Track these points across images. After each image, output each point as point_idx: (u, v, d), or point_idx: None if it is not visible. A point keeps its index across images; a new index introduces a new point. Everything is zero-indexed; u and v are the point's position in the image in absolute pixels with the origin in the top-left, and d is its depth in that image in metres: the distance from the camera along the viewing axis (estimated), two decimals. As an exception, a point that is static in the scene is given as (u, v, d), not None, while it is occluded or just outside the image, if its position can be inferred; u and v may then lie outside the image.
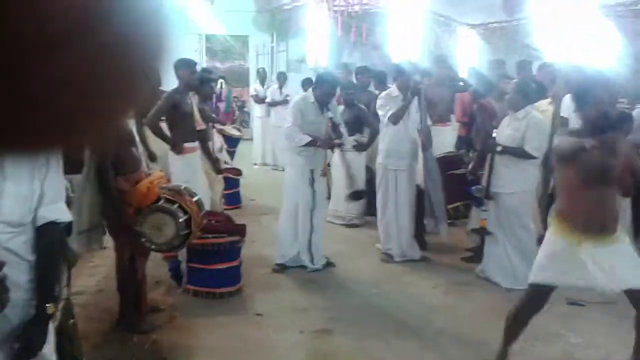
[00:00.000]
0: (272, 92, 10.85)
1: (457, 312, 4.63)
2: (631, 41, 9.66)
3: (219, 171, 6.06)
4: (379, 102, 5.84)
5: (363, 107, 6.77)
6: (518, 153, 4.81)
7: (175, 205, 3.78)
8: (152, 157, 5.61)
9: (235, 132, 8.17)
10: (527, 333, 3.57)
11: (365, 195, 6.13)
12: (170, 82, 5.31)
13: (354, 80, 8.09)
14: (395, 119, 5.54)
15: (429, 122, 5.79)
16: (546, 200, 4.83)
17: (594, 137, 3.23)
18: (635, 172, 3.27)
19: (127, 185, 3.79)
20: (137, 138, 4.89)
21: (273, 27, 13.82)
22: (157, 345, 3.89)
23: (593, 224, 3.23)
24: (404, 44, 11.24)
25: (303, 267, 5.39)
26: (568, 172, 3.30)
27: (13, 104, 0.43)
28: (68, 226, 2.41)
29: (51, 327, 2.28)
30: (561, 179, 3.40)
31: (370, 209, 6.53)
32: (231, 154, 7.88)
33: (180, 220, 3.74)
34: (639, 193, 3.65)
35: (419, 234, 5.92)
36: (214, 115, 7.29)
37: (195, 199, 4.03)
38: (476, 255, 5.49)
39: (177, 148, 5.31)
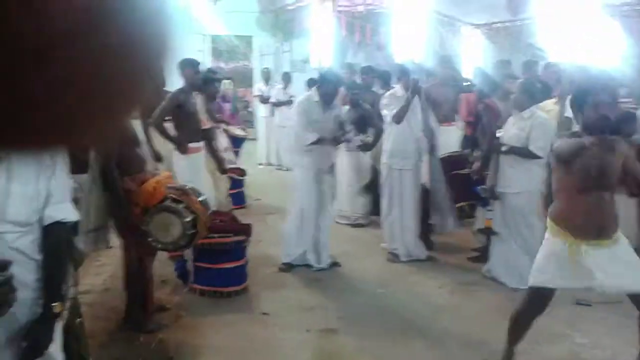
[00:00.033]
0: (276, 92, 10.87)
1: (463, 311, 4.63)
2: (637, 41, 9.63)
3: (223, 171, 6.07)
4: (383, 102, 5.85)
5: (368, 107, 6.77)
6: (523, 153, 4.80)
7: (182, 205, 3.79)
8: (157, 158, 5.61)
9: (240, 132, 8.19)
10: (533, 333, 3.56)
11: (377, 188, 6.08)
12: (174, 83, 5.33)
13: (358, 81, 8.09)
14: (398, 118, 5.55)
15: (432, 124, 5.79)
16: (549, 200, 4.82)
17: (592, 138, 3.22)
18: (631, 172, 3.25)
19: (133, 185, 3.80)
20: (143, 138, 4.90)
21: (277, 28, 13.82)
22: (164, 345, 3.90)
23: (591, 226, 3.21)
24: (408, 44, 11.24)
25: (309, 266, 5.40)
26: (566, 173, 3.27)
27: (15, 103, 0.43)
28: (75, 226, 2.42)
29: (58, 326, 2.29)
30: (559, 181, 3.35)
31: (376, 209, 6.54)
32: (236, 154, 7.90)
33: (187, 220, 3.74)
34: None
35: (425, 233, 5.91)
36: (218, 115, 7.30)
37: (201, 198, 4.04)
38: (482, 255, 5.48)
39: (181, 148, 5.32)
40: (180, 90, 5.32)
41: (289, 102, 10.10)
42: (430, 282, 5.21)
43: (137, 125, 4.93)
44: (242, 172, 7.53)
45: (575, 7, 10.16)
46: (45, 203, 2.24)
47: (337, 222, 6.62)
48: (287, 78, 10.99)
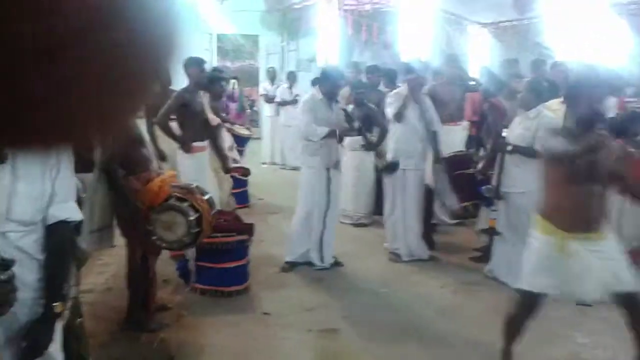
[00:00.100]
0: (281, 91, 10.86)
1: (465, 311, 4.62)
2: (644, 40, 9.56)
3: (227, 170, 6.06)
4: (388, 100, 5.84)
5: (373, 106, 6.76)
6: (529, 152, 4.77)
7: (186, 204, 3.79)
8: (162, 157, 5.63)
9: (244, 132, 8.18)
10: (534, 333, 3.56)
11: (398, 166, 5.95)
12: (180, 81, 5.34)
13: (364, 79, 8.08)
14: (398, 117, 5.55)
15: (437, 127, 5.78)
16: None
17: (583, 135, 3.21)
18: (614, 170, 3.24)
19: (138, 185, 3.81)
20: (148, 137, 4.91)
21: (283, 27, 13.82)
22: (165, 344, 3.91)
23: (579, 219, 3.21)
24: (415, 42, 11.23)
25: (310, 265, 5.40)
26: (556, 167, 3.28)
27: (18, 103, 0.43)
28: (78, 225, 2.42)
29: (58, 326, 2.29)
30: (549, 174, 3.35)
31: (378, 208, 6.53)
32: (240, 153, 7.89)
33: (191, 218, 3.74)
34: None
35: (427, 233, 5.90)
36: (224, 114, 7.30)
37: (206, 197, 4.04)
38: (484, 255, 5.46)
39: (186, 147, 5.32)
40: (186, 90, 5.32)
41: (294, 102, 10.09)
42: (432, 282, 5.20)
43: (141, 124, 4.95)
44: (246, 172, 7.53)
45: (582, 5, 10.11)
46: (49, 202, 2.24)
47: (340, 222, 6.62)
48: (292, 77, 10.98)
